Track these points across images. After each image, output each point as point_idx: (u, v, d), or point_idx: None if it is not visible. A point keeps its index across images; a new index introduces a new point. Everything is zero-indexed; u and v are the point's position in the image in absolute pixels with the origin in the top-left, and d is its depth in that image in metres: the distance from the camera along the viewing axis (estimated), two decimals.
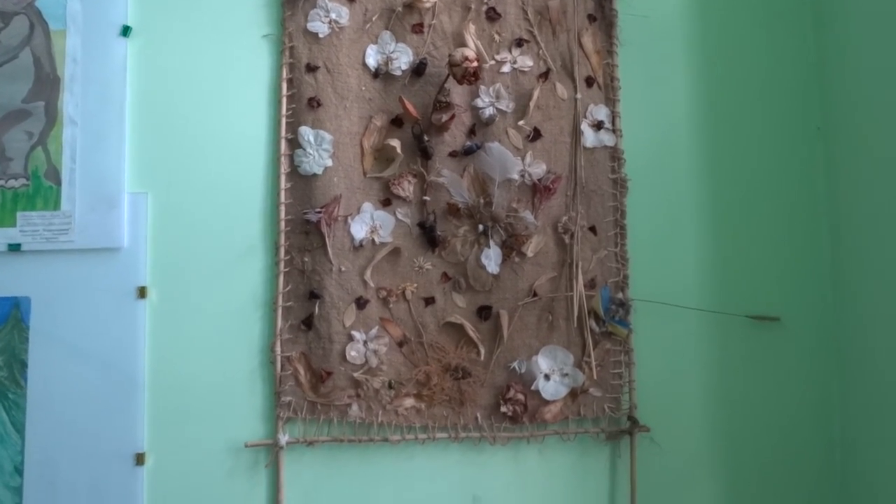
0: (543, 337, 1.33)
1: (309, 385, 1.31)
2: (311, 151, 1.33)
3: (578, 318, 1.32)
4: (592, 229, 1.36)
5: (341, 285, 1.32)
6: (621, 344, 1.35)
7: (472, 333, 1.32)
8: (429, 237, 1.33)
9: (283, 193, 1.34)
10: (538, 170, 1.36)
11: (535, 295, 1.33)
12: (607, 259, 1.36)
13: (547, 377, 1.32)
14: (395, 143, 1.33)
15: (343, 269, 1.32)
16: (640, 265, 1.36)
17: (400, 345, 1.33)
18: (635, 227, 1.37)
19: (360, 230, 1.33)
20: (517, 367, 1.32)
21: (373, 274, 1.33)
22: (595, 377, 1.31)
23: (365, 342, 1.32)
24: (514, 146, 1.36)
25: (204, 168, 1.35)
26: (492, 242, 1.33)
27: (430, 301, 1.34)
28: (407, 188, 1.35)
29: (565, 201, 1.36)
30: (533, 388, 1.31)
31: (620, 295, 1.34)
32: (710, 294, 1.38)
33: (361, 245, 1.33)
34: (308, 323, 1.32)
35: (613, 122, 1.39)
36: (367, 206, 1.34)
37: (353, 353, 1.31)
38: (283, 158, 1.34)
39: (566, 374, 1.32)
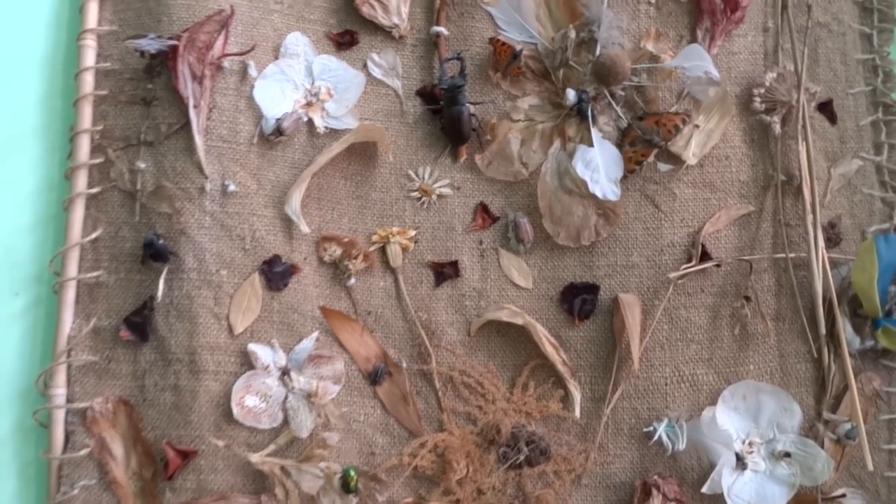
0: (726, 361, 0.55)
1: (136, 484, 0.51)
2: None
3: (812, 316, 0.53)
4: (826, 109, 0.59)
5: (226, 228, 0.53)
6: None
7: (549, 350, 0.53)
8: (448, 120, 0.55)
9: (91, 8, 0.55)
10: None
11: (704, 257, 0.55)
12: (862, 178, 0.58)
13: (740, 460, 0.53)
14: None
15: (232, 187, 0.53)
16: None
17: (373, 379, 0.53)
18: None
19: (276, 97, 0.55)
20: (665, 437, 0.53)
21: (307, 204, 0.54)
22: (870, 460, 0.51)
23: (284, 372, 0.52)
24: None
25: None
26: (596, 132, 0.55)
27: (445, 272, 0.55)
28: (396, 8, 0.57)
29: (762, 42, 0.59)
30: (706, 489, 0.52)
31: None
32: None
33: (281, 133, 0.54)
34: (139, 323, 0.52)
35: None
36: (298, 43, 0.56)
37: (252, 399, 0.51)
38: None
39: (784, 454, 0.53)
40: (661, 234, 0.55)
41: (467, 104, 0.55)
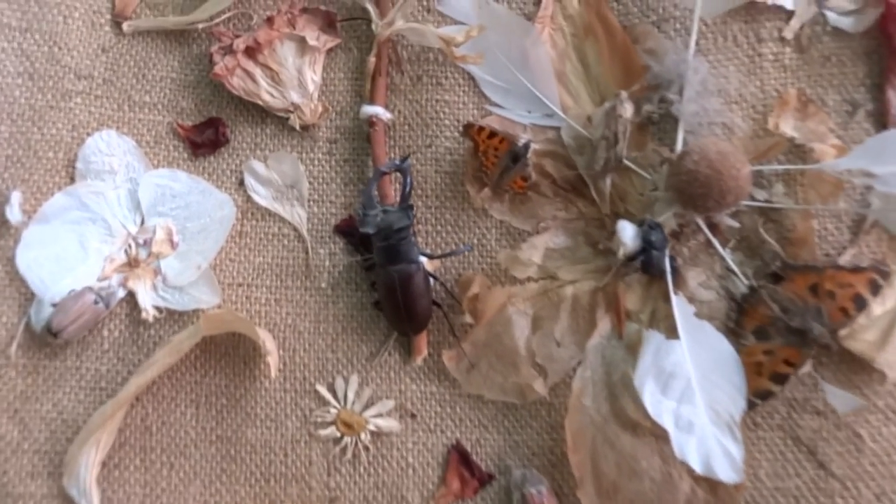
0: None
1: None
2: None
3: None
4: None
5: None
6: None
7: None
8: (385, 291, 0.28)
9: None
10: None
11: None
12: None
13: None
14: None
15: None
16: None
17: None
18: None
19: (67, 256, 0.29)
20: None
21: (120, 461, 0.28)
22: None
23: None
24: None
25: None
26: (682, 305, 0.27)
27: None
28: (296, 77, 0.31)
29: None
30: None
31: None
32: None
33: (54, 334, 0.28)
34: None
35: None
36: (113, 149, 0.30)
37: None
38: None
39: None
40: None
41: (421, 259, 0.28)
